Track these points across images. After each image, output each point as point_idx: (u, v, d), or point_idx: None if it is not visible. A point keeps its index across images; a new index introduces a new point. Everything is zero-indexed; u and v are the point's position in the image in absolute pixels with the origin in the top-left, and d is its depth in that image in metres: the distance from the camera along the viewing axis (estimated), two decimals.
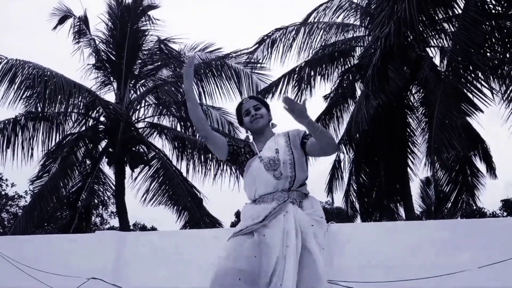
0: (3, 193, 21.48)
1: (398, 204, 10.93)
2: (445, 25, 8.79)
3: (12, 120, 10.73)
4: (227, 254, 2.44)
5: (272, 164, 2.64)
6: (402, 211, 10.80)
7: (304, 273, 2.35)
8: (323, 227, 2.54)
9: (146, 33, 11.84)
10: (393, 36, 7.26)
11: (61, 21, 11.26)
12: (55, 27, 11.23)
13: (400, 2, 7.37)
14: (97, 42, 11.73)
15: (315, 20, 11.27)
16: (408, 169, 10.44)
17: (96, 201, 11.69)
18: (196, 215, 10.65)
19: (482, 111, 7.70)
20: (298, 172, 2.63)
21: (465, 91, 7.57)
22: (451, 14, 8.07)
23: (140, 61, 11.92)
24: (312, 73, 10.94)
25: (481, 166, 10.34)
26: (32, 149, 10.69)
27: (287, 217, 2.46)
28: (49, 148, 10.82)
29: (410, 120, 10.77)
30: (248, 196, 2.73)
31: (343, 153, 10.82)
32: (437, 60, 10.13)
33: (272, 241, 2.42)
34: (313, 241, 2.42)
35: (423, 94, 10.48)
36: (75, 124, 11.06)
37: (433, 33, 8.92)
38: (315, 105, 12.04)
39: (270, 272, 2.35)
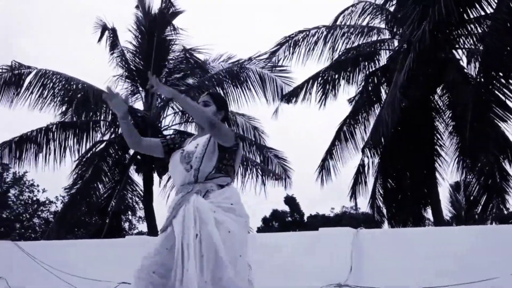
0: (34, 198, 22.02)
1: (426, 209, 10.75)
2: (473, 26, 8.64)
3: (43, 128, 11.05)
4: (147, 251, 2.64)
5: (186, 157, 2.75)
6: (430, 216, 10.62)
7: (204, 260, 2.42)
8: (234, 212, 2.60)
9: (172, 43, 12.03)
10: (427, 39, 7.15)
11: (102, 33, 11.59)
12: (99, 40, 11.57)
13: (432, 3, 7.27)
14: (125, 52, 12.01)
15: (340, 24, 11.24)
16: (436, 173, 10.26)
17: (125, 207, 11.90)
18: None
19: None
20: (203, 165, 2.69)
21: (498, 93, 7.40)
22: (480, 15, 7.92)
23: (166, 69, 12.12)
24: (336, 77, 10.89)
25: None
26: (60, 156, 10.97)
27: (187, 208, 2.56)
28: (80, 155, 11.10)
29: (437, 123, 10.60)
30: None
31: (367, 157, 10.70)
32: (464, 63, 9.97)
33: (174, 233, 2.55)
34: (213, 226, 2.47)
35: (450, 97, 10.31)
36: (105, 132, 11.33)
37: (463, 34, 8.76)
38: (340, 108, 12.01)
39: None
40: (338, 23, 11.28)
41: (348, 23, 11.25)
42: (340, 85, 10.93)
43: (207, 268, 2.41)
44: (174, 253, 2.51)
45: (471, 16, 8.16)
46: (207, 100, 2.91)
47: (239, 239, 2.52)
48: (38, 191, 21.77)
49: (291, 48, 10.80)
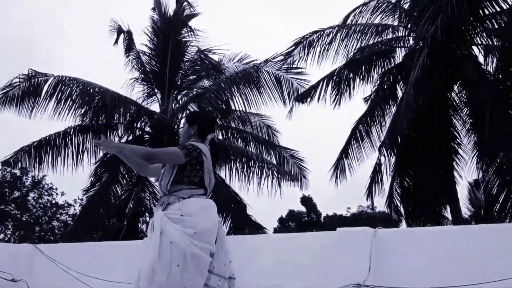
0: (53, 202, 22.30)
1: (444, 207, 10.63)
2: (489, 22, 8.51)
3: (62, 132, 11.21)
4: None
5: (162, 174, 3.13)
6: (449, 215, 10.50)
7: (144, 266, 2.82)
8: (182, 222, 2.85)
9: (188, 44, 12.11)
10: (440, 35, 7.07)
11: (118, 36, 11.73)
12: (115, 42, 11.72)
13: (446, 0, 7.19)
14: (141, 55, 12.10)
15: (352, 22, 11.18)
16: (454, 171, 10.14)
17: (142, 208, 11.99)
18: (240, 220, 10.73)
19: None
20: (164, 179, 3.07)
21: None
22: (496, 11, 7.81)
23: (182, 71, 12.18)
24: (351, 75, 10.84)
25: None
26: (77, 159, 11.12)
27: (153, 219, 2.98)
28: (98, 159, 11.23)
29: (455, 120, 10.47)
30: None
31: (384, 156, 10.62)
32: (480, 59, 9.84)
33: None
34: (157, 235, 2.79)
35: (467, 94, 10.18)
36: (122, 135, 11.43)
37: (479, 30, 8.64)
38: (355, 107, 11.94)
39: None
40: (349, 21, 11.22)
41: (359, 22, 11.18)
42: (355, 84, 10.89)
43: (144, 275, 2.78)
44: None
45: (487, 12, 8.04)
46: (183, 123, 3.35)
47: (180, 249, 2.75)
48: (57, 194, 22.04)
49: (306, 49, 10.78)
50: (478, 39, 9.52)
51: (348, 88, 10.84)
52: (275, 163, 11.47)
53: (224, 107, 10.95)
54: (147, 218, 18.01)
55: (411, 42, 10.73)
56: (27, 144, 11.11)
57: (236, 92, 11.17)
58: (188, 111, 11.61)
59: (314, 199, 30.99)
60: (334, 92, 10.83)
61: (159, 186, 3.13)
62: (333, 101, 10.85)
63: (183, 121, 3.46)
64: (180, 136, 3.30)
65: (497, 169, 9.62)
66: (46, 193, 21.93)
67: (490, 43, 9.39)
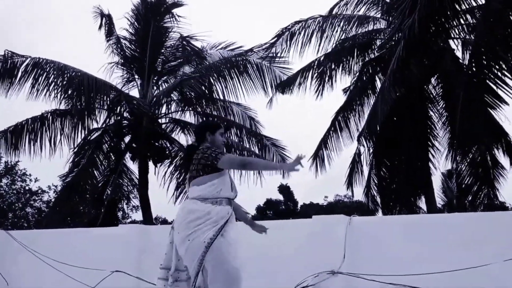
0: (27, 188, 21.92)
1: (419, 197, 10.82)
2: (468, 16, 8.63)
3: (38, 117, 11.00)
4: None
5: (232, 182, 3.54)
6: (423, 204, 10.69)
7: None
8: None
9: (169, 30, 11.94)
10: (417, 27, 7.14)
11: (101, 21, 11.47)
12: (99, 28, 11.49)
13: None
14: (121, 40, 11.89)
15: (335, 13, 11.18)
16: (429, 163, 10.31)
17: (120, 195, 11.87)
18: None
19: (507, 103, 7.56)
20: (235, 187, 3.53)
21: (489, 82, 7.44)
22: (473, 5, 7.93)
23: (163, 57, 12.02)
24: (332, 66, 10.86)
25: (504, 160, 10.14)
26: (55, 144, 10.95)
27: (232, 218, 3.39)
28: (76, 144, 11.05)
29: (431, 113, 10.63)
30: (212, 193, 3.41)
31: (363, 146, 10.73)
32: (459, 53, 9.97)
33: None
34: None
35: (444, 87, 10.32)
36: (100, 120, 11.26)
37: (455, 24, 8.77)
38: (335, 98, 11.97)
39: None
40: (334, 13, 11.21)
41: (342, 13, 11.18)
42: (336, 74, 10.92)
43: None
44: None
45: (463, 8, 8.15)
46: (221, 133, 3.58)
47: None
48: (31, 180, 21.67)
49: (289, 40, 10.74)
50: (456, 33, 9.64)
51: (329, 79, 10.86)
52: (256, 151, 11.46)
53: (207, 93, 10.87)
54: (125, 206, 17.92)
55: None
56: (2, 129, 10.92)
57: (217, 80, 11.08)
58: (168, 97, 11.49)
59: (295, 188, 31.24)
60: (315, 82, 10.84)
61: (233, 193, 3.43)
62: (316, 92, 10.87)
63: (219, 132, 3.55)
64: (214, 143, 3.51)
65: (469, 160, 9.82)
66: (19, 179, 21.55)
67: (468, 37, 9.52)
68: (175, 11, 11.90)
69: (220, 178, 3.30)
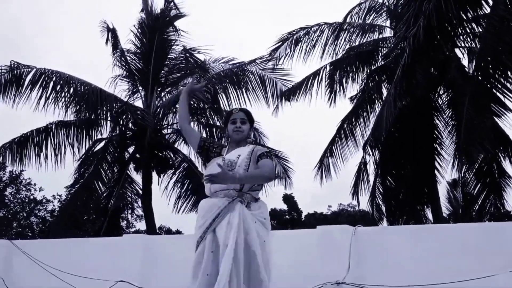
0: (31, 197, 21.98)
1: (425, 206, 10.74)
2: (473, 25, 8.61)
3: (42, 128, 11.11)
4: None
5: (229, 164, 3.02)
6: (429, 214, 10.62)
7: (247, 264, 2.85)
8: (266, 226, 3.03)
9: (172, 43, 12.06)
10: (422, 36, 7.13)
11: (108, 35, 11.60)
12: (107, 41, 11.63)
13: (427, 1, 7.26)
14: (125, 53, 12.02)
15: (341, 21, 11.21)
16: (436, 171, 10.25)
17: (122, 205, 11.92)
18: None
19: None
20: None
21: (495, 91, 7.40)
22: (479, 14, 7.91)
23: (166, 69, 12.12)
24: (338, 75, 10.87)
25: (511, 169, 10.07)
26: (60, 155, 11.02)
27: (233, 215, 2.90)
28: (81, 155, 11.15)
29: (437, 121, 10.58)
30: (206, 190, 3.13)
31: (369, 155, 10.69)
32: (465, 61, 9.95)
33: (219, 240, 2.89)
34: (254, 235, 2.89)
35: (450, 96, 10.29)
36: (105, 131, 11.39)
37: (462, 33, 8.76)
38: (342, 106, 12.00)
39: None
40: (340, 21, 11.25)
41: (350, 21, 11.23)
42: (342, 83, 10.91)
43: (244, 270, 2.84)
44: (218, 255, 2.88)
45: (472, 14, 8.14)
46: (243, 118, 3.23)
47: (269, 248, 2.98)
48: (35, 189, 21.75)
49: (293, 45, 10.75)
50: (462, 42, 9.64)
51: (335, 87, 10.87)
52: None
53: (214, 104, 10.99)
54: (128, 215, 17.94)
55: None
56: (8, 141, 11.03)
57: (220, 91, 11.18)
58: (171, 108, 11.55)
59: (300, 197, 31.13)
60: (321, 90, 10.86)
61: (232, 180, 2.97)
62: (328, 99, 10.88)
63: (241, 115, 3.24)
64: (242, 131, 3.21)
65: (476, 169, 9.75)
66: (24, 189, 21.62)
67: (474, 46, 9.51)
68: (178, 25, 12.10)
69: None
